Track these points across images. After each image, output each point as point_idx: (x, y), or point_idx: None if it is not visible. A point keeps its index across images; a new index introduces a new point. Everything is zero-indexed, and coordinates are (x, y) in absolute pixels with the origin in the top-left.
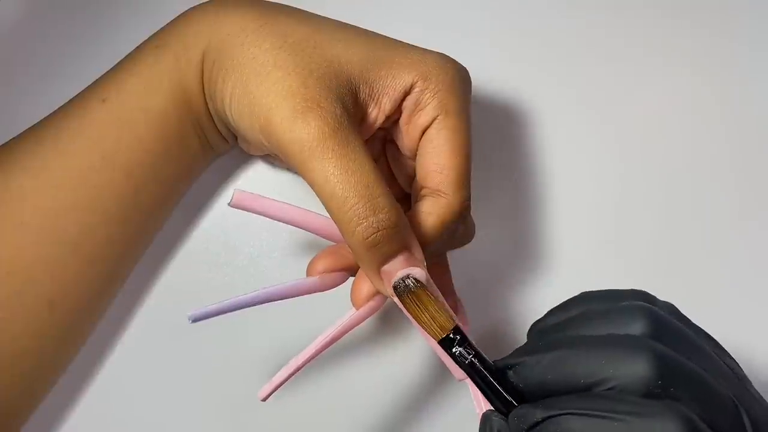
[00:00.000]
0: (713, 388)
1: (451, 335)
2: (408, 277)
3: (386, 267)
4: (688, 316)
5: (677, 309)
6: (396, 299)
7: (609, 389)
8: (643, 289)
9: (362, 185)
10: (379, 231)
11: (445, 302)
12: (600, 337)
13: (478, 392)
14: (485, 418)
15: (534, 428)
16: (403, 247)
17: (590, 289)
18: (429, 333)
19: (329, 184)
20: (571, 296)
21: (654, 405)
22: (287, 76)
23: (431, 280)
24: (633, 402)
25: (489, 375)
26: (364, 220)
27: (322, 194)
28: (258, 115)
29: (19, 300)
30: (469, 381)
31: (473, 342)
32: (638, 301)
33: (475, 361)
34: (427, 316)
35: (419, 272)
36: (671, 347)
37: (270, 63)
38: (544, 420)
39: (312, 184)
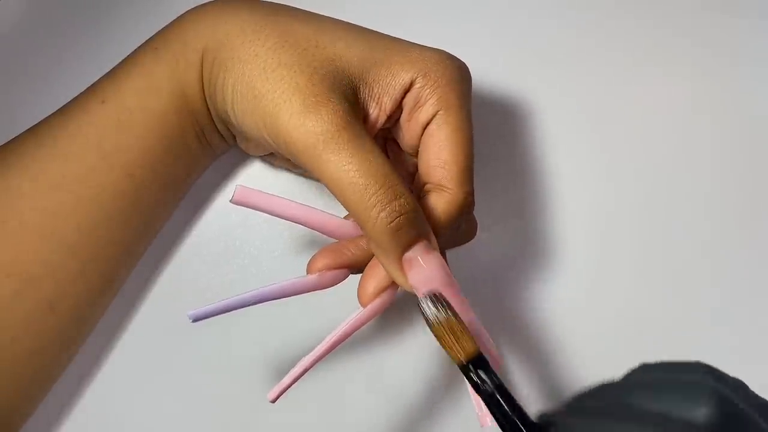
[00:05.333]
0: None
1: (471, 364)
2: (435, 296)
3: (408, 254)
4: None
5: (747, 387)
6: (423, 313)
7: None
8: (709, 364)
9: (381, 173)
10: (401, 215)
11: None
12: (656, 414)
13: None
14: None
15: None
16: (423, 234)
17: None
18: (451, 355)
19: (348, 175)
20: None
21: None
22: (293, 73)
23: (454, 278)
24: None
25: (510, 412)
26: (387, 205)
27: (339, 185)
28: (263, 111)
29: (18, 301)
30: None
31: (497, 374)
32: (705, 377)
33: (496, 394)
34: (451, 338)
35: (439, 273)
36: None
37: (274, 60)
38: None
39: (327, 177)
